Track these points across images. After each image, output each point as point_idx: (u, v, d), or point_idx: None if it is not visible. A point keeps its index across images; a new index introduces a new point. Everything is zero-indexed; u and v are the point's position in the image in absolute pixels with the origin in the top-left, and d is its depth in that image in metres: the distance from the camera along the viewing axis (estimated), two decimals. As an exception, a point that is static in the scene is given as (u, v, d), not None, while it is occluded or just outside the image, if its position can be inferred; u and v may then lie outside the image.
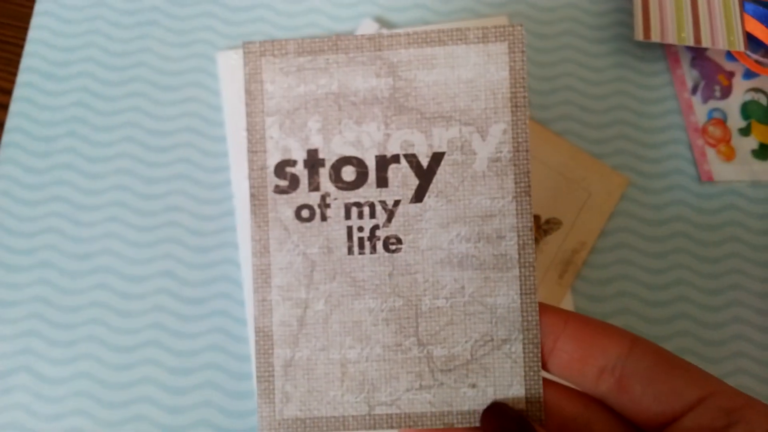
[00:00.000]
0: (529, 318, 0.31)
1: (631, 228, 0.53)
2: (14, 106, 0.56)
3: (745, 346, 0.51)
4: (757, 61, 0.56)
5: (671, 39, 0.54)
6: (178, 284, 0.52)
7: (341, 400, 0.31)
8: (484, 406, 0.31)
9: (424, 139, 0.31)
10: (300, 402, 0.31)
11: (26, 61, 0.58)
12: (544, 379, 0.31)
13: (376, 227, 0.31)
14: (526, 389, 0.31)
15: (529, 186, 0.31)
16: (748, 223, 0.53)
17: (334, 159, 0.32)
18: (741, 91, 0.56)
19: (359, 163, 0.31)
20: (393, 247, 0.31)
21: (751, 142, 0.55)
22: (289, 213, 0.32)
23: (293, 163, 0.32)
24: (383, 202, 0.31)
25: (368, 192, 0.31)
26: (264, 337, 0.31)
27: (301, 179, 0.32)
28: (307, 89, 0.32)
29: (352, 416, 0.31)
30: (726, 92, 0.56)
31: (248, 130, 0.32)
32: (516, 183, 0.31)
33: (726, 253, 0.53)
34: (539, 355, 0.31)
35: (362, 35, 0.31)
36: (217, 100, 0.57)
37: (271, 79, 0.32)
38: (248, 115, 0.32)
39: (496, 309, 0.31)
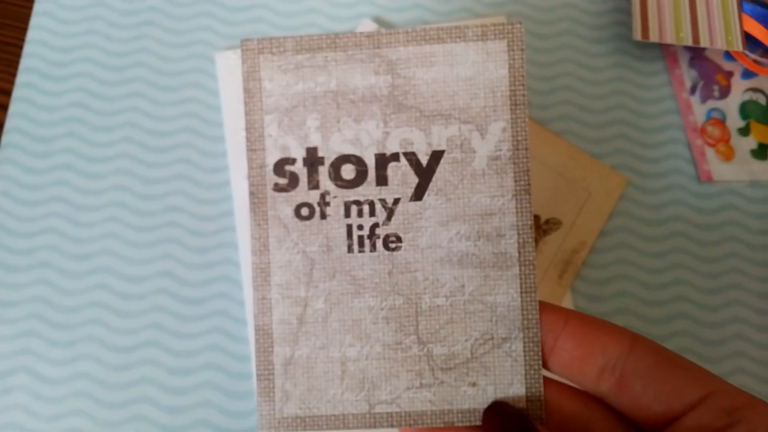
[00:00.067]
0: (530, 316, 0.31)
1: (630, 228, 0.53)
2: (14, 107, 0.56)
3: (744, 346, 0.51)
4: (755, 61, 0.56)
5: (669, 39, 0.54)
6: (177, 284, 0.52)
7: (341, 398, 0.31)
8: (485, 405, 0.31)
9: (424, 137, 0.31)
10: (300, 400, 0.31)
11: (25, 62, 0.58)
12: (545, 378, 0.31)
13: (375, 225, 0.31)
14: (526, 388, 0.31)
15: (529, 184, 0.31)
16: (747, 223, 0.53)
17: (333, 157, 0.31)
18: (740, 90, 0.57)
19: (358, 162, 0.31)
20: (393, 246, 0.31)
21: (750, 142, 0.55)
22: (289, 211, 0.31)
23: (292, 161, 0.32)
24: (383, 201, 0.31)
25: (368, 190, 0.31)
26: (264, 335, 0.31)
27: (301, 177, 0.32)
28: (305, 87, 0.32)
29: (352, 414, 0.31)
30: (725, 92, 0.56)
31: (247, 128, 0.32)
32: (516, 181, 0.31)
33: (725, 252, 0.53)
34: (540, 353, 0.31)
35: (361, 33, 0.31)
36: (216, 100, 0.57)
37: (269, 77, 0.32)
38: (247, 113, 0.32)
39: (496, 307, 0.31)
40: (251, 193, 0.32)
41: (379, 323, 0.31)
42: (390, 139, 0.31)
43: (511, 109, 0.31)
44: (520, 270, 0.31)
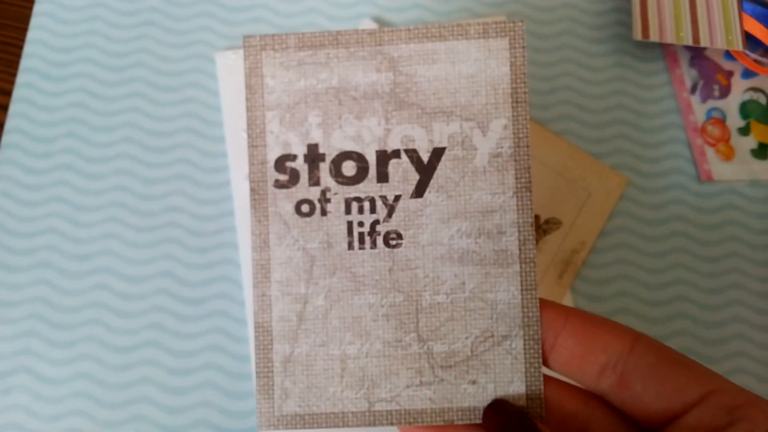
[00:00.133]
0: (530, 314, 0.31)
1: (630, 228, 0.53)
2: (14, 107, 0.56)
3: (745, 346, 0.51)
4: (755, 61, 0.56)
5: (670, 38, 0.54)
6: (177, 285, 0.52)
7: (341, 396, 0.31)
8: (485, 403, 0.31)
9: (425, 134, 0.31)
10: (299, 398, 0.31)
11: (25, 62, 0.58)
12: (545, 376, 0.31)
13: (376, 222, 0.31)
14: (526, 386, 0.31)
15: (530, 181, 0.31)
16: (747, 223, 0.53)
17: (334, 154, 0.31)
18: (740, 90, 0.57)
19: (360, 158, 0.31)
20: (393, 243, 0.31)
21: (750, 142, 0.55)
22: (289, 208, 0.31)
23: (293, 157, 0.32)
24: (384, 197, 0.31)
25: (369, 187, 0.31)
26: (263, 332, 0.31)
27: (302, 174, 0.31)
28: (307, 84, 0.32)
29: (352, 412, 0.31)
30: (725, 92, 0.56)
31: (248, 124, 0.32)
32: (517, 178, 0.31)
33: (725, 252, 0.53)
34: (540, 351, 0.31)
35: (363, 30, 0.31)
36: (216, 100, 0.57)
37: (271, 74, 0.32)
38: (248, 109, 0.32)
39: (497, 305, 0.31)
40: (252, 189, 0.31)
41: (379, 320, 0.31)
42: (391, 136, 0.31)
43: (512, 107, 0.31)
44: (521, 267, 0.31)
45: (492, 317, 0.31)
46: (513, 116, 0.31)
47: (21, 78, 0.57)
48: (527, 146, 0.31)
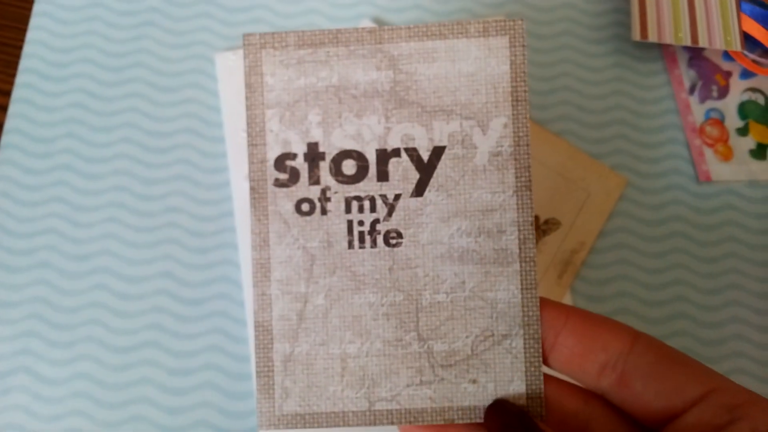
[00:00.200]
0: (530, 313, 0.31)
1: (629, 228, 0.53)
2: (13, 108, 0.56)
3: (744, 346, 0.51)
4: (754, 61, 0.56)
5: (668, 39, 0.54)
6: (177, 285, 0.52)
7: (341, 395, 0.31)
8: (485, 402, 0.31)
9: (425, 132, 0.31)
10: (299, 397, 0.31)
11: (25, 63, 0.58)
12: (545, 375, 0.31)
13: (376, 221, 0.31)
14: (527, 385, 0.31)
15: (530, 180, 0.31)
16: (746, 223, 0.53)
17: (334, 152, 0.31)
18: (738, 90, 0.57)
19: (360, 157, 0.31)
20: (393, 242, 0.31)
21: (749, 142, 0.55)
22: (289, 206, 0.31)
23: (293, 156, 0.31)
24: (384, 196, 0.31)
25: (369, 186, 0.31)
26: (263, 331, 0.31)
27: (302, 173, 0.31)
28: (307, 82, 0.32)
29: (352, 412, 0.31)
30: (723, 92, 0.56)
31: (248, 122, 0.31)
32: (517, 177, 0.31)
33: (724, 252, 0.53)
34: (540, 350, 0.31)
35: (363, 28, 0.31)
36: (216, 101, 0.57)
37: (271, 72, 0.32)
38: (248, 107, 0.32)
39: (497, 304, 0.31)
40: (252, 188, 0.31)
41: (380, 320, 0.31)
42: (391, 134, 0.31)
43: (512, 105, 0.31)
44: (521, 266, 0.31)
45: (492, 316, 0.31)
46: (513, 115, 0.31)
47: (20, 78, 0.57)
48: (527, 145, 0.31)
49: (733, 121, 0.56)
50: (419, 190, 0.31)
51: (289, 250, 0.31)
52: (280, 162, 0.32)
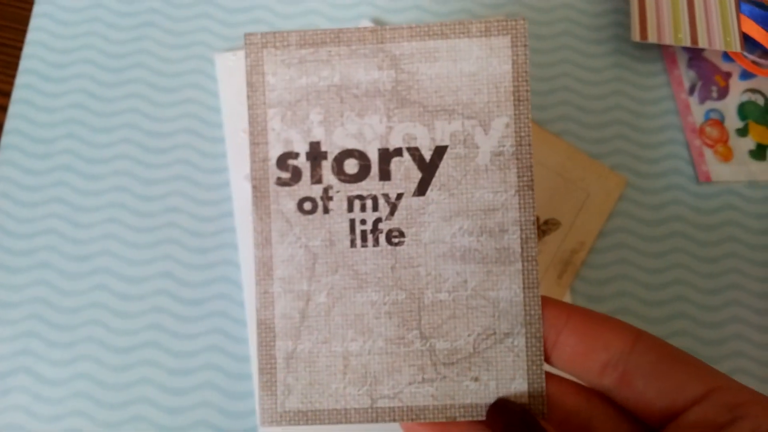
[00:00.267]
0: (532, 312, 0.31)
1: (629, 228, 0.53)
2: (13, 108, 0.56)
3: (744, 346, 0.51)
4: (753, 62, 0.56)
5: (668, 40, 0.55)
6: (177, 285, 0.52)
7: (343, 392, 0.31)
8: (487, 400, 0.31)
9: (427, 132, 0.31)
10: (302, 394, 0.31)
11: (25, 63, 0.58)
12: (547, 373, 0.31)
13: (378, 220, 0.31)
14: (528, 383, 0.31)
15: (532, 180, 0.31)
16: (745, 223, 0.54)
17: (336, 151, 0.31)
18: (738, 91, 0.57)
19: (362, 156, 0.31)
20: (396, 240, 0.31)
21: (749, 143, 0.55)
22: (291, 205, 0.31)
23: (295, 155, 0.32)
24: (386, 195, 0.31)
25: (371, 185, 0.31)
26: (266, 329, 0.31)
27: (304, 171, 0.31)
28: (309, 81, 0.32)
29: (354, 409, 0.31)
30: (723, 93, 0.57)
31: (250, 122, 0.32)
32: (519, 177, 0.31)
33: (724, 252, 0.53)
34: (542, 348, 0.31)
35: (365, 27, 0.31)
36: (216, 101, 0.57)
37: (272, 71, 0.32)
38: (250, 107, 0.32)
39: (499, 303, 0.31)
40: (254, 187, 0.31)
41: (382, 318, 0.31)
42: (393, 134, 0.31)
43: (514, 105, 0.31)
44: (523, 265, 0.31)
45: (494, 315, 0.31)
46: (515, 114, 0.31)
47: (20, 79, 0.57)
48: (529, 144, 0.31)
49: (733, 122, 0.56)
50: (421, 190, 0.31)
51: (291, 248, 0.31)
52: (282, 161, 0.32)
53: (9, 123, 0.56)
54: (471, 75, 0.31)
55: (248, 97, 0.32)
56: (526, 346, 0.31)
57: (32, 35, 0.59)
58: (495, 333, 0.31)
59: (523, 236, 0.31)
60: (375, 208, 0.31)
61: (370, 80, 0.31)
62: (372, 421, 0.31)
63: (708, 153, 0.55)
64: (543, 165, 0.54)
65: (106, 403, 0.50)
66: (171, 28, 0.59)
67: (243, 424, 0.50)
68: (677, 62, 0.57)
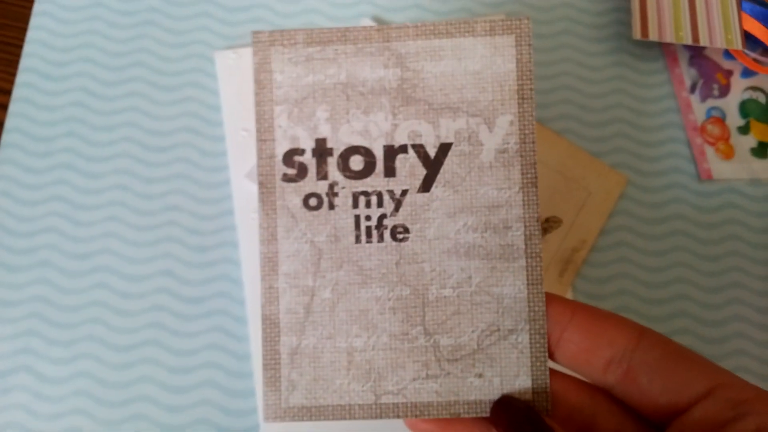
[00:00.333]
0: (536, 308, 0.31)
1: (630, 226, 0.53)
2: (13, 107, 0.56)
3: (745, 344, 0.51)
4: (755, 60, 0.56)
5: (669, 38, 0.55)
6: (177, 283, 0.52)
7: (347, 388, 0.31)
8: (491, 396, 0.31)
9: (432, 129, 0.31)
10: (306, 390, 0.31)
11: (25, 62, 0.58)
12: (551, 370, 0.31)
13: (383, 216, 0.31)
14: (532, 380, 0.31)
15: (536, 177, 0.31)
16: (747, 221, 0.54)
17: (342, 148, 0.32)
18: (739, 89, 0.57)
19: (367, 153, 0.32)
20: (400, 236, 0.31)
21: (750, 141, 0.55)
22: (297, 201, 0.32)
23: (301, 151, 0.32)
24: (391, 192, 0.31)
25: (376, 181, 0.31)
26: (270, 324, 0.31)
27: (309, 168, 0.32)
28: (315, 79, 0.32)
29: (358, 405, 0.31)
30: (724, 91, 0.57)
31: (257, 118, 0.32)
32: (523, 174, 0.31)
33: (726, 251, 0.53)
34: (546, 345, 0.31)
35: (371, 26, 0.32)
36: (216, 99, 0.57)
37: (279, 69, 0.32)
38: (257, 104, 0.32)
39: (503, 299, 0.31)
40: (260, 183, 0.32)
41: (386, 314, 0.31)
42: (398, 131, 0.31)
43: (518, 103, 0.31)
44: (527, 262, 0.31)
45: (498, 311, 0.31)
46: (519, 112, 0.31)
47: (21, 77, 0.57)
48: (533, 142, 0.31)
49: (734, 120, 0.56)
50: (426, 186, 0.31)
51: (296, 244, 0.31)
52: (288, 157, 0.32)
53: (9, 121, 0.56)
54: (476, 73, 0.31)
55: (255, 94, 0.32)
56: (530, 343, 0.31)
57: (32, 34, 0.59)
58: (499, 329, 0.31)
59: (527, 233, 0.31)
60: (380, 204, 0.31)
61: (376, 78, 0.31)
62: (376, 417, 0.31)
63: (709, 151, 0.55)
64: (544, 163, 0.54)
65: (107, 402, 0.50)
66: (171, 27, 0.59)
67: (244, 422, 0.50)
68: (678, 60, 0.57)
